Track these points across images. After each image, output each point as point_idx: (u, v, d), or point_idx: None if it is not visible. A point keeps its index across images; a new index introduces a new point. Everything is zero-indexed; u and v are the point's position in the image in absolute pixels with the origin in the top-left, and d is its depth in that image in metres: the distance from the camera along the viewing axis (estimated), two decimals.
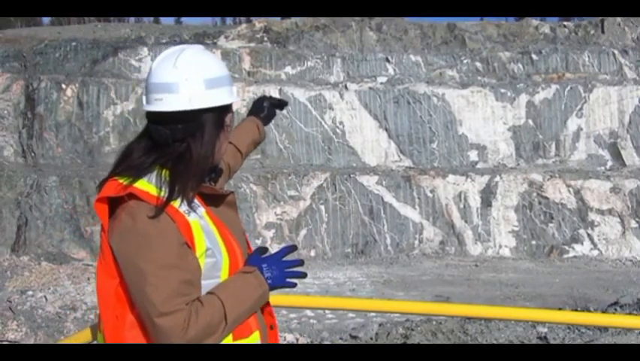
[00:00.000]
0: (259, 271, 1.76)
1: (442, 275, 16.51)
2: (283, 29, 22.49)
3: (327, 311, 11.36)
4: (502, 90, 21.69)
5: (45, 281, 13.59)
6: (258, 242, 18.05)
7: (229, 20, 50.52)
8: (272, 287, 1.78)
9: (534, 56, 22.25)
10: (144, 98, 1.77)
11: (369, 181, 20.03)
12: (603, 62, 22.30)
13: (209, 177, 1.82)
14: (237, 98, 1.88)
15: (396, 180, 20.12)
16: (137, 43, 21.63)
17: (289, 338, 9.23)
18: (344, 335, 9.65)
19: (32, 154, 19.79)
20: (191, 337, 1.59)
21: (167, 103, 1.70)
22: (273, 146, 20.52)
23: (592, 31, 23.05)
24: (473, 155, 21.30)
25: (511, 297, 13.89)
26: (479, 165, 21.11)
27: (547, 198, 20.15)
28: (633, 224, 19.82)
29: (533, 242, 19.72)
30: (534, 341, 7.14)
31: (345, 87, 21.37)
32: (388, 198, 19.89)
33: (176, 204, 1.67)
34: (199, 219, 1.70)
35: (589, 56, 22.33)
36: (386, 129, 21.21)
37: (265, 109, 2.50)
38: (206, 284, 1.69)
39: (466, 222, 19.89)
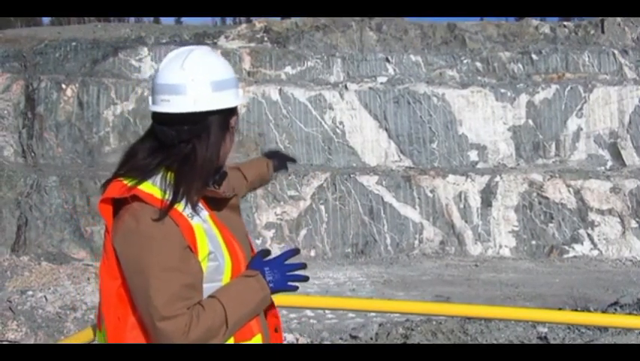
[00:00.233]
0: (261, 274, 1.76)
1: (442, 275, 16.51)
2: (283, 29, 22.50)
3: (327, 311, 11.37)
4: (502, 90, 21.69)
5: (45, 281, 13.59)
6: (258, 242, 18.06)
7: (229, 20, 50.56)
8: (274, 291, 1.77)
9: (534, 56, 22.26)
10: (150, 98, 1.77)
11: (369, 181, 20.03)
12: (603, 62, 22.30)
13: (213, 180, 1.82)
14: (243, 100, 1.89)
15: (396, 180, 20.12)
16: (137, 43, 21.63)
17: (289, 338, 9.23)
18: (344, 335, 9.65)
19: (32, 154, 19.79)
20: (192, 340, 1.60)
21: (173, 104, 1.70)
22: (273, 146, 20.49)
23: (592, 31, 23.06)
24: (473, 155, 21.31)
25: (511, 297, 13.89)
26: (479, 165, 21.11)
27: (547, 198, 20.15)
28: (633, 224, 19.82)
29: (533, 242, 19.72)
30: (534, 341, 7.14)
31: (345, 87, 21.37)
32: (388, 198, 19.89)
33: (179, 207, 1.67)
34: (202, 223, 1.70)
35: (589, 56, 22.33)
36: (386, 129, 21.22)
37: (279, 160, 2.59)
38: (208, 288, 1.69)
39: (466, 222, 19.89)
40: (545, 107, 21.66)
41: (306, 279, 1.82)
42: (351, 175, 20.08)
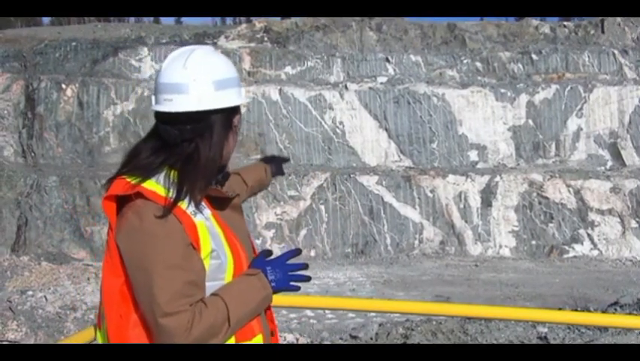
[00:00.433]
0: (263, 273, 1.76)
1: (442, 275, 16.51)
2: (283, 29, 22.50)
3: (327, 311, 11.37)
4: (502, 90, 21.69)
5: (45, 281, 13.59)
6: (258, 242, 18.05)
7: (229, 20, 50.58)
8: (275, 290, 1.78)
9: (534, 56, 22.26)
10: (153, 98, 1.78)
11: (369, 181, 20.03)
12: (603, 62, 22.30)
13: (216, 180, 1.83)
14: (246, 99, 1.90)
15: (396, 180, 20.12)
16: (137, 43, 21.63)
17: (289, 338, 9.23)
18: (344, 335, 9.65)
19: (32, 154, 19.80)
20: (194, 338, 1.60)
21: (176, 103, 1.71)
22: (273, 146, 20.52)
23: (592, 31, 23.06)
24: (473, 155, 21.31)
25: (511, 297, 13.89)
26: (479, 165, 21.11)
27: (547, 198, 20.15)
28: (633, 224, 19.82)
29: (533, 242, 19.72)
30: (534, 341, 7.14)
31: (345, 87, 21.37)
32: (388, 198, 19.89)
33: (183, 205, 1.68)
34: (205, 221, 1.71)
35: (589, 56, 22.33)
36: (386, 129, 21.22)
37: (276, 165, 2.62)
38: (210, 286, 1.69)
39: (466, 222, 19.89)
40: (545, 107, 21.66)
41: (308, 279, 1.82)
42: (351, 175, 20.08)
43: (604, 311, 8.68)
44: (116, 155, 19.12)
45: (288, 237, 19.11)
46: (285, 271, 1.79)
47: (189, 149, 1.71)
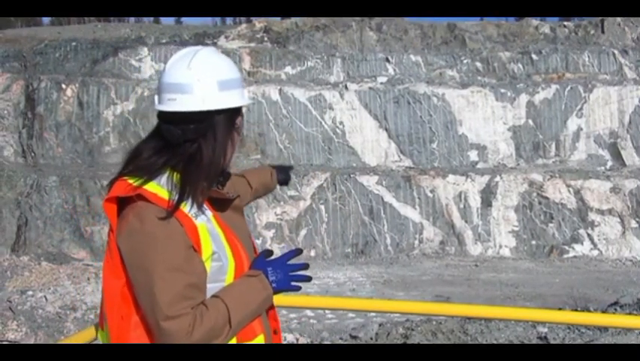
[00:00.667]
0: (264, 274, 1.76)
1: (442, 275, 16.50)
2: (283, 29, 22.50)
3: (327, 311, 11.38)
4: (502, 90, 21.69)
5: (45, 281, 13.59)
6: (258, 242, 18.05)
7: (229, 20, 50.61)
8: (276, 291, 1.78)
9: (534, 56, 22.26)
10: (156, 97, 1.78)
11: (369, 181, 20.03)
12: (603, 62, 22.30)
13: (217, 181, 1.83)
14: (249, 100, 1.90)
15: (396, 180, 20.12)
16: (137, 43, 21.63)
17: (289, 338, 9.23)
18: (344, 335, 9.65)
19: (32, 154, 19.80)
20: (196, 340, 1.60)
21: (180, 103, 1.71)
22: (273, 146, 20.52)
23: (592, 31, 23.06)
24: (473, 155, 21.31)
25: (511, 297, 13.89)
26: (479, 165, 21.11)
27: (547, 198, 20.15)
28: (633, 224, 19.82)
29: (533, 242, 19.72)
30: (534, 341, 7.14)
31: (345, 87, 21.37)
32: (388, 198, 19.89)
33: (184, 207, 1.68)
34: (206, 223, 1.71)
35: (589, 56, 22.33)
36: (386, 129, 21.22)
37: (282, 172, 2.57)
38: (212, 287, 1.69)
39: (466, 222, 19.89)
40: (545, 107, 21.66)
41: (308, 279, 1.82)
42: (351, 175, 20.08)
43: (604, 311, 8.68)
44: (116, 155, 19.12)
45: (288, 237, 19.11)
46: (285, 272, 1.79)
47: (192, 149, 1.71)
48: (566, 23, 24.26)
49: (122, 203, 1.69)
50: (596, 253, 19.39)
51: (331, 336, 9.96)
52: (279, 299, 1.85)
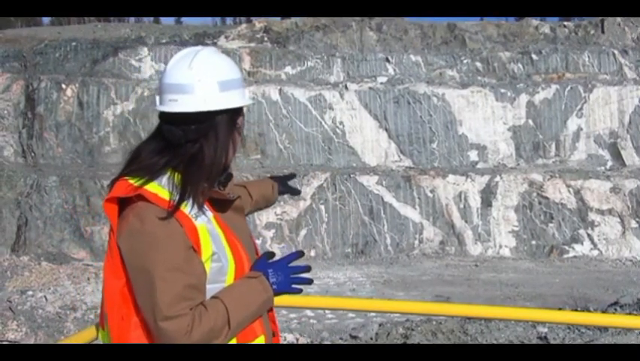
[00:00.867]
0: (265, 276, 1.76)
1: (442, 275, 16.50)
2: (283, 29, 22.50)
3: (327, 311, 11.37)
4: (502, 90, 21.69)
5: (45, 281, 13.59)
6: (258, 242, 18.02)
7: (229, 20, 50.61)
8: (277, 293, 1.78)
9: (534, 56, 22.26)
10: (157, 98, 1.78)
11: (369, 181, 20.03)
12: (603, 62, 22.30)
13: (218, 182, 1.83)
14: (250, 100, 1.89)
15: (396, 180, 20.12)
16: (137, 43, 21.62)
17: (289, 338, 9.23)
18: (344, 335, 9.65)
19: (32, 154, 19.79)
20: (195, 341, 1.60)
21: (181, 104, 1.71)
22: (273, 146, 20.52)
23: (592, 31, 23.06)
24: (473, 155, 21.31)
25: (511, 297, 13.89)
26: (479, 165, 21.11)
27: (547, 198, 20.15)
28: (633, 224, 19.82)
29: (533, 242, 19.71)
30: (534, 341, 7.14)
31: (345, 87, 21.37)
32: (388, 198, 19.88)
33: (185, 208, 1.68)
34: (206, 223, 1.71)
35: (589, 56, 22.33)
36: (386, 129, 21.22)
37: (284, 185, 2.55)
38: (211, 288, 1.69)
39: (466, 222, 19.89)
40: (545, 107, 21.66)
41: (310, 282, 1.82)
42: (351, 175, 20.08)
43: (604, 311, 8.68)
44: (116, 155, 19.13)
45: (288, 237, 19.10)
46: (286, 274, 1.79)
47: (193, 149, 1.71)
48: (566, 23, 24.26)
49: (123, 203, 1.69)
50: (596, 253, 19.39)
51: (331, 336, 9.96)
52: (278, 299, 1.85)
